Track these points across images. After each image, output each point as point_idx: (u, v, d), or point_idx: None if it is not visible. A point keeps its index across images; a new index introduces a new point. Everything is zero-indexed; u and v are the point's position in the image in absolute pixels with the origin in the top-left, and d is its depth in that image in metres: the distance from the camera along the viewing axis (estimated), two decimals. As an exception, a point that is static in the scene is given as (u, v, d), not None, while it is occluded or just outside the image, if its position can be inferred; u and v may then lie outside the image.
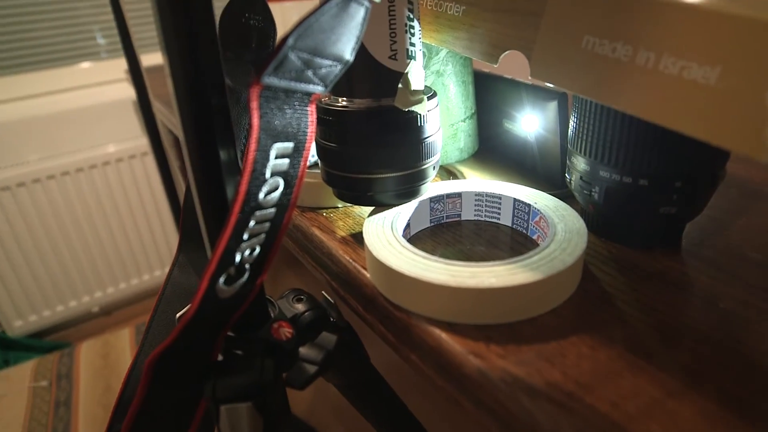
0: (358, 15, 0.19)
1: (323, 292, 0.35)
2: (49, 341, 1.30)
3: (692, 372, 0.19)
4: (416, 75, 0.27)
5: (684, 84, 0.19)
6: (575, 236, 0.25)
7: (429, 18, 0.30)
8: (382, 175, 0.28)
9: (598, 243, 0.28)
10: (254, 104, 0.19)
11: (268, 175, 0.21)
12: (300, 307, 0.32)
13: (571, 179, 0.29)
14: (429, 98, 0.28)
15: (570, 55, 0.22)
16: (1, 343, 1.22)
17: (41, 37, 1.24)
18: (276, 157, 0.21)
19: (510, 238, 0.30)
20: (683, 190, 0.25)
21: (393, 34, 0.26)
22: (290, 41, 0.18)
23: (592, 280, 0.25)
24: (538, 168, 0.37)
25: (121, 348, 1.21)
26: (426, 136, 0.28)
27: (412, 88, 0.27)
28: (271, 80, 0.19)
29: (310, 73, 0.20)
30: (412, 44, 0.27)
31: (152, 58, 1.00)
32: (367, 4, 0.19)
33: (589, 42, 0.21)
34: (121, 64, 0.77)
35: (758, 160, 0.16)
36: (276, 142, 0.20)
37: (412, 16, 0.26)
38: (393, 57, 0.26)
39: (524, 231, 0.30)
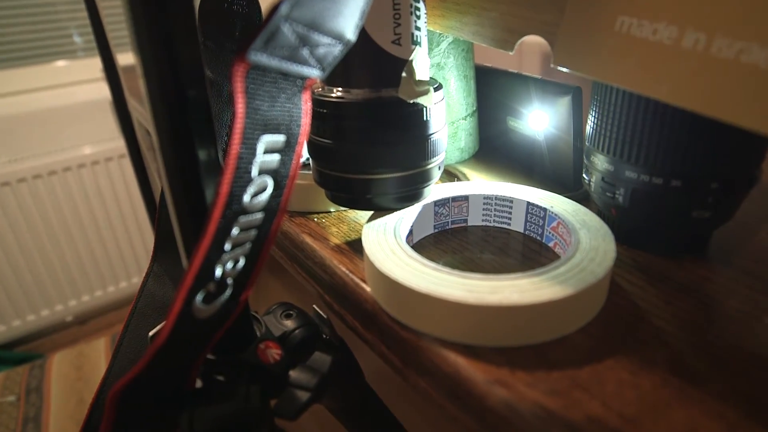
0: (363, -17, 0.16)
1: (314, 306, 0.31)
2: (19, 352, 1.23)
3: (753, 400, 0.17)
4: (422, 63, 0.24)
5: (742, 69, 0.16)
6: (602, 243, 0.22)
7: (434, 2, 0.27)
8: (382, 176, 0.25)
9: (621, 251, 0.26)
10: (239, 86, 0.16)
11: (254, 173, 0.17)
12: (289, 323, 0.29)
13: (590, 180, 0.26)
14: (435, 90, 0.25)
15: (601, 39, 0.20)
16: (-34, 355, 1.15)
17: (15, 33, 1.18)
18: (264, 152, 0.18)
19: (523, 246, 0.27)
20: (720, 192, 0.22)
21: (397, 16, 0.23)
22: (284, 9, 0.15)
23: (619, 293, 0.23)
24: (546, 169, 0.34)
25: (95, 359, 1.15)
26: (431, 132, 0.25)
27: (417, 78, 0.24)
28: (260, 57, 0.15)
29: (305, 52, 0.17)
30: (418, 28, 0.24)
31: (128, 57, 0.95)
32: (373, -30, 0.16)
33: (624, 23, 0.19)
34: (99, 62, 0.73)
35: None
36: (264, 133, 0.17)
37: (417, -3, 0.23)
38: (396, 42, 0.23)
39: (539, 238, 0.27)
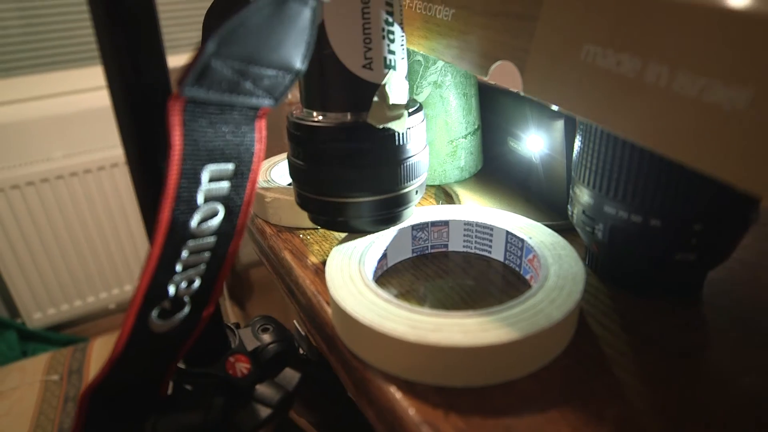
0: (301, 16, 0.16)
1: (295, 321, 0.32)
2: (66, 335, 1.33)
3: (701, 475, 0.15)
4: (396, 87, 0.24)
5: (704, 109, 0.15)
6: (569, 284, 0.21)
7: (417, 23, 0.27)
8: (356, 199, 0.25)
9: (601, 289, 0.24)
10: (175, 120, 0.16)
11: (200, 200, 0.18)
12: (266, 338, 0.29)
13: (573, 212, 0.25)
14: (412, 113, 0.25)
15: (567, 67, 0.18)
16: (20, 334, 1.25)
17: (66, 37, 1.27)
18: (210, 181, 0.18)
19: (501, 277, 0.26)
20: (705, 234, 0.21)
21: (367, 40, 0.23)
22: (210, 47, 0.15)
23: (587, 336, 0.21)
24: (544, 194, 0.33)
25: (132, 346, 1.21)
26: (407, 156, 0.25)
27: (391, 102, 0.24)
28: (195, 92, 0.16)
29: (248, 84, 0.17)
30: (392, 52, 0.24)
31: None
32: (312, 3, 0.16)
33: (589, 52, 0.18)
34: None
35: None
36: (209, 163, 0.18)
37: (391, 20, 0.23)
38: (368, 66, 0.23)
39: (517, 269, 0.26)
